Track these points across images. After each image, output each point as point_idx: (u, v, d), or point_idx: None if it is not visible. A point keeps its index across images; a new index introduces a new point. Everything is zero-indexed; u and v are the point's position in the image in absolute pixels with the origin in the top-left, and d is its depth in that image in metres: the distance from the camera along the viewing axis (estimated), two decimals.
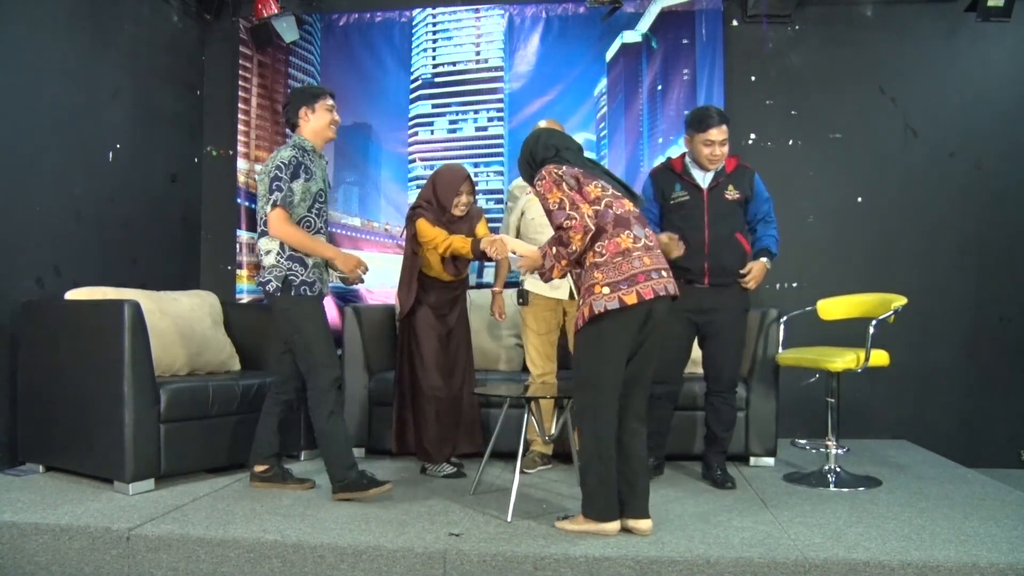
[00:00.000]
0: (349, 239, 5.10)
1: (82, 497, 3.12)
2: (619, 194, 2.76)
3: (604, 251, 2.67)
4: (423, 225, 3.54)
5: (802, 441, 4.14)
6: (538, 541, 2.64)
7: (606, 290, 2.62)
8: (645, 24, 4.92)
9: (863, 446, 4.28)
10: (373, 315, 4.27)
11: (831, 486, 3.44)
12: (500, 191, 5.01)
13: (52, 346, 3.48)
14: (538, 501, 3.18)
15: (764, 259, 3.50)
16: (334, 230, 5.12)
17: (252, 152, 5.15)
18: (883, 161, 4.79)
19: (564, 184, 2.70)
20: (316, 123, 3.23)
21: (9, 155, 3.64)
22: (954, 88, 4.76)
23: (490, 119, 5.06)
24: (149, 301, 3.60)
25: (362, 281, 3.36)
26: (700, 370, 3.67)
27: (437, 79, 5.10)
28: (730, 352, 3.50)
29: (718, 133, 3.37)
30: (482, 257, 3.43)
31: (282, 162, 3.10)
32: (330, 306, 4.99)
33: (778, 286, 4.77)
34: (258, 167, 4.92)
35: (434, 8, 5.10)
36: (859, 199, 4.82)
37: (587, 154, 2.99)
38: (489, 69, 5.07)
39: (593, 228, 2.66)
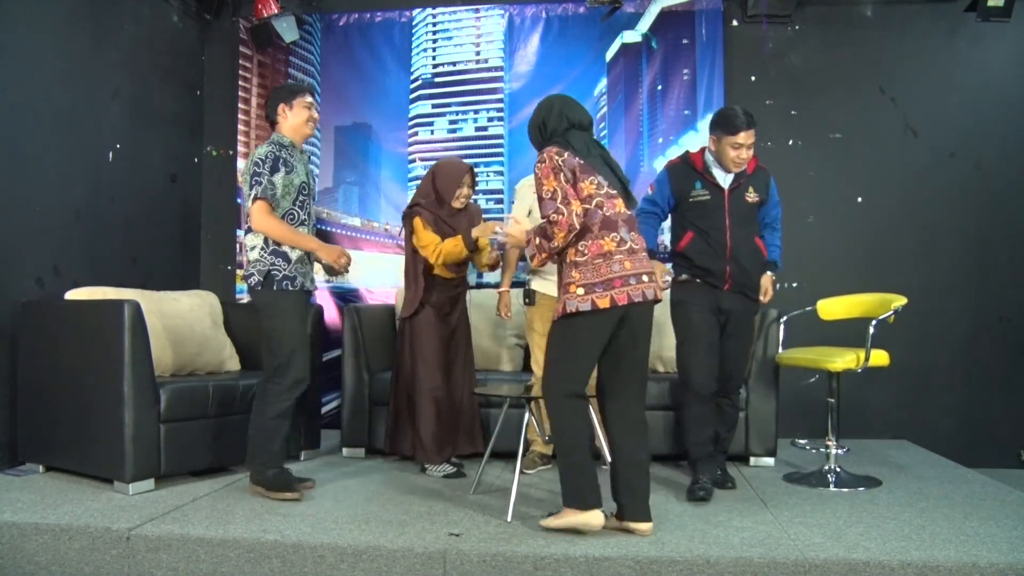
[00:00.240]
0: (349, 239, 5.10)
1: (82, 497, 3.12)
2: (613, 193, 2.75)
3: (586, 251, 2.67)
4: (419, 225, 3.57)
5: (802, 441, 4.14)
6: (538, 541, 2.64)
7: (580, 291, 2.64)
8: (645, 24, 4.92)
9: (863, 446, 4.29)
10: (373, 315, 4.27)
11: (831, 486, 3.44)
12: (500, 191, 5.01)
13: (52, 346, 3.48)
14: (538, 501, 3.18)
15: (769, 272, 3.50)
16: (334, 230, 5.12)
17: (252, 152, 5.14)
18: (883, 161, 4.79)
19: (561, 175, 2.69)
20: (294, 120, 3.26)
21: (9, 155, 3.64)
22: (954, 88, 4.75)
23: (490, 119, 5.06)
24: (149, 301, 3.60)
25: (347, 271, 3.35)
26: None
27: (437, 79, 5.10)
28: (741, 354, 3.50)
29: (746, 136, 3.27)
30: (475, 249, 3.44)
31: (259, 158, 3.14)
32: (330, 306, 5.01)
33: (778, 286, 4.72)
34: None
35: (434, 8, 5.10)
36: (859, 199, 4.82)
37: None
38: (489, 69, 5.07)
39: (578, 227, 2.65)
